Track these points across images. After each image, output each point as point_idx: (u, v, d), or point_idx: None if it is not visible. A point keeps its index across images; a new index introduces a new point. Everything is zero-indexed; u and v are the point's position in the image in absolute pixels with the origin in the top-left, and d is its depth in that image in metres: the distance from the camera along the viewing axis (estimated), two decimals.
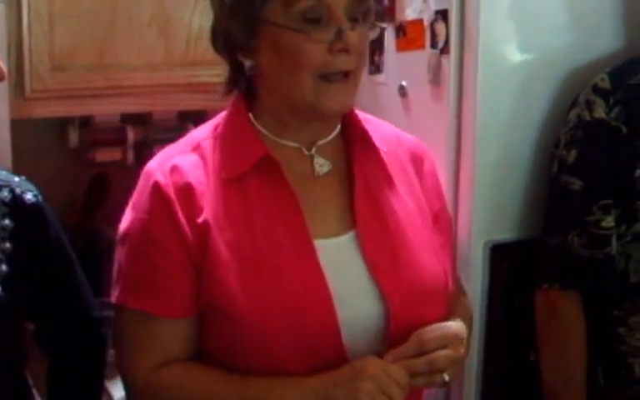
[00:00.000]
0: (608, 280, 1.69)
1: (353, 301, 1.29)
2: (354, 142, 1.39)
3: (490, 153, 1.79)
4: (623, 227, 1.68)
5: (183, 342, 1.32)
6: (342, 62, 1.27)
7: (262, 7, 1.28)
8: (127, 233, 1.34)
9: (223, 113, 1.40)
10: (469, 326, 1.45)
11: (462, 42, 1.78)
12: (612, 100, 1.66)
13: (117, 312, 1.35)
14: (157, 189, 1.30)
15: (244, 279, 1.26)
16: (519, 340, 1.84)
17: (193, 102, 2.34)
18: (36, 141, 2.36)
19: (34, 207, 1.45)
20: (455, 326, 1.35)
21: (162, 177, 1.31)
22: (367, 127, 1.41)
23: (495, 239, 1.81)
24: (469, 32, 1.77)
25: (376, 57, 1.99)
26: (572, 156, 1.69)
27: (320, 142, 1.38)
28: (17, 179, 1.47)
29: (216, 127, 1.38)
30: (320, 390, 1.24)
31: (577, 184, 1.68)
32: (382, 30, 1.85)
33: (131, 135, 2.45)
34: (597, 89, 1.68)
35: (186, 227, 1.28)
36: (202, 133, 1.39)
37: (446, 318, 1.35)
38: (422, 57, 1.87)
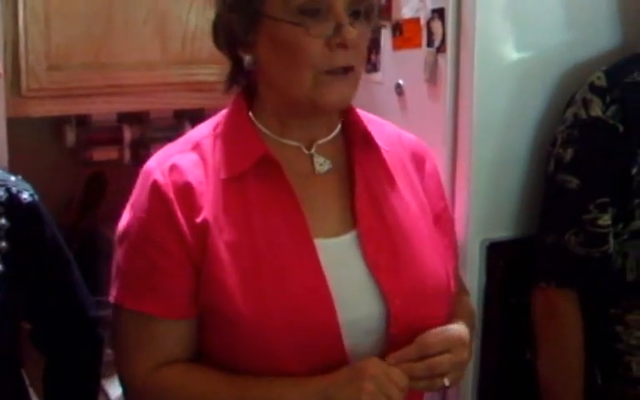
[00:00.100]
0: (605, 278, 1.69)
1: (354, 301, 1.29)
2: (355, 142, 1.38)
3: (486, 152, 1.79)
4: (620, 226, 1.68)
5: (183, 342, 1.31)
6: (341, 58, 1.26)
7: (261, 1, 1.27)
8: (125, 233, 1.33)
9: (223, 112, 1.40)
10: (472, 326, 1.45)
11: (459, 41, 1.78)
12: (608, 98, 1.66)
13: (115, 312, 1.33)
14: (155, 188, 1.29)
15: (244, 279, 1.25)
16: (516, 338, 1.84)
17: (190, 101, 2.34)
18: (32, 140, 2.36)
19: (30, 206, 1.44)
20: (458, 329, 1.34)
21: (161, 177, 1.30)
22: (369, 126, 1.40)
23: (491, 237, 1.81)
24: (465, 30, 1.77)
25: (372, 56, 1.98)
26: (568, 154, 1.69)
27: (320, 141, 1.37)
28: (13, 178, 1.46)
29: (215, 126, 1.37)
30: (321, 390, 1.23)
31: (573, 183, 1.68)
32: (379, 28, 1.84)
33: (128, 134, 2.45)
34: (593, 88, 1.69)
35: (185, 227, 1.27)
36: (202, 132, 1.38)
37: (448, 319, 1.35)
38: (419, 55, 1.87)
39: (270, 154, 1.31)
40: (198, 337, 1.31)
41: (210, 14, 2.26)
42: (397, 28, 1.93)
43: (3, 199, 1.41)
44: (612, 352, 1.71)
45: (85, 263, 1.68)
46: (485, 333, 1.80)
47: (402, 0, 1.91)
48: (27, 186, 1.47)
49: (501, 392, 1.86)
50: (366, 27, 1.31)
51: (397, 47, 1.95)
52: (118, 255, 1.34)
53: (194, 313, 1.29)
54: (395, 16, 1.93)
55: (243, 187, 1.30)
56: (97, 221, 2.42)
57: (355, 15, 1.28)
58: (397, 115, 1.92)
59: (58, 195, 2.31)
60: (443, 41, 1.80)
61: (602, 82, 1.68)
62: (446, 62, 1.80)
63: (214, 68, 2.26)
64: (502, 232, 1.83)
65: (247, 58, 1.34)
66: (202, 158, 1.33)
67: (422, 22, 1.86)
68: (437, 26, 1.81)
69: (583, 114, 1.68)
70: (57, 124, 2.40)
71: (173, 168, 1.31)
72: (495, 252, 1.81)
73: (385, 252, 1.33)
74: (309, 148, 1.36)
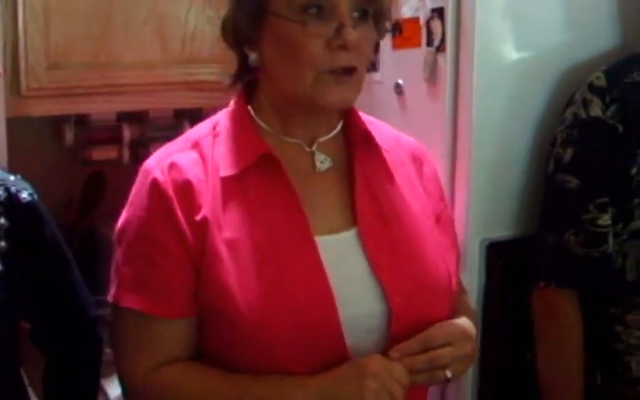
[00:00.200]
0: (605, 278, 1.69)
1: (355, 299, 1.28)
2: (355, 141, 1.38)
3: (486, 151, 1.79)
4: (620, 226, 1.68)
5: (182, 342, 1.30)
6: (342, 59, 1.26)
7: None
8: (124, 231, 1.32)
9: (222, 111, 1.39)
10: (475, 325, 1.44)
11: (458, 40, 1.79)
12: (608, 98, 1.66)
13: (115, 311, 1.33)
14: (155, 186, 1.29)
15: (243, 277, 1.25)
16: (515, 338, 1.84)
17: (189, 101, 2.34)
18: (31, 139, 2.36)
19: (29, 205, 1.44)
20: (462, 323, 1.35)
21: (160, 175, 1.29)
22: (369, 127, 1.40)
23: (491, 237, 1.82)
24: (465, 30, 1.77)
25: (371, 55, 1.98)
26: (568, 154, 1.69)
27: (321, 139, 1.37)
28: (12, 178, 1.46)
29: (215, 125, 1.37)
30: (324, 390, 1.22)
31: (573, 182, 1.68)
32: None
33: (127, 133, 2.45)
34: (593, 88, 1.69)
35: (184, 225, 1.27)
36: (201, 131, 1.38)
37: (450, 318, 1.34)
38: (419, 55, 1.87)
39: (270, 152, 1.31)
40: (198, 336, 1.31)
41: (209, 14, 2.29)
42: (397, 28, 1.93)
43: (3, 199, 1.41)
44: (611, 352, 1.71)
45: (84, 263, 1.68)
46: (484, 333, 1.80)
47: None
48: (27, 185, 1.47)
49: (500, 392, 1.86)
50: (371, 30, 1.30)
51: (396, 46, 1.95)
52: (117, 254, 1.33)
53: (194, 312, 1.29)
54: (394, 15, 1.93)
55: (243, 185, 1.30)
56: (97, 220, 2.42)
57: (363, 16, 1.28)
58: (397, 114, 1.92)
59: (58, 194, 2.31)
60: (443, 40, 1.80)
61: (602, 82, 1.68)
62: (445, 61, 1.80)
63: (214, 68, 2.29)
64: (501, 232, 1.83)
65: (253, 56, 1.33)
66: (202, 156, 1.32)
67: (422, 21, 1.86)
68: (436, 25, 1.82)
69: (583, 114, 1.68)
70: (56, 124, 2.40)
71: (173, 166, 1.30)
72: (495, 251, 1.81)
73: (385, 249, 1.32)
74: (310, 146, 1.36)
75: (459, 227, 1.76)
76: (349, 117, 1.40)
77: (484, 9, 1.74)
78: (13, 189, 1.43)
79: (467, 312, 1.44)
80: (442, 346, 1.28)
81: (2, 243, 1.39)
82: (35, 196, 1.46)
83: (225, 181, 1.30)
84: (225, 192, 1.29)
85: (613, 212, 1.67)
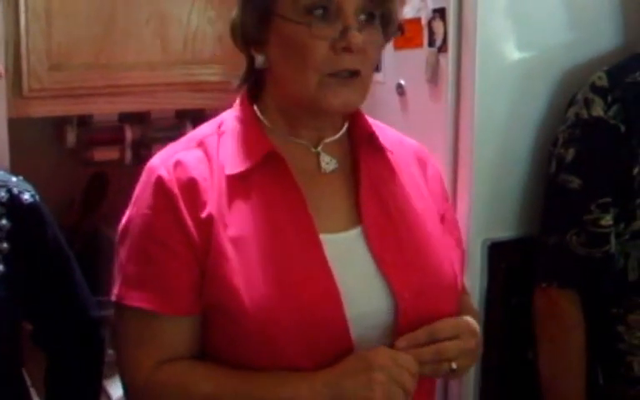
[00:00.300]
0: (607, 278, 1.69)
1: (361, 297, 1.28)
2: (360, 143, 1.38)
3: (488, 152, 1.79)
4: (622, 226, 1.68)
5: (186, 340, 1.29)
6: (346, 62, 1.26)
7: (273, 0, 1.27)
8: (128, 229, 1.32)
9: (227, 111, 1.39)
10: (478, 323, 1.45)
11: (460, 41, 1.79)
12: (610, 98, 1.66)
13: (118, 310, 1.32)
14: (160, 184, 1.29)
15: (249, 275, 1.24)
16: (517, 339, 1.84)
17: (191, 101, 2.34)
18: (33, 140, 2.36)
19: (31, 207, 1.44)
20: (468, 319, 1.35)
21: (165, 173, 1.29)
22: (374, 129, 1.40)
23: (493, 238, 1.81)
24: (467, 30, 1.77)
25: None
26: (570, 154, 1.69)
27: (326, 141, 1.37)
28: (14, 179, 1.46)
29: (220, 124, 1.37)
30: (331, 384, 1.21)
31: (575, 183, 1.68)
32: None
33: (129, 134, 2.45)
34: (594, 87, 1.69)
35: (189, 223, 1.26)
36: (206, 130, 1.37)
37: (455, 316, 1.34)
38: (420, 55, 1.87)
39: (276, 150, 1.31)
40: (202, 335, 1.30)
41: (211, 15, 2.30)
42: (399, 28, 1.92)
43: (5, 200, 1.41)
44: (613, 352, 1.71)
45: (86, 263, 1.68)
46: (486, 333, 1.78)
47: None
48: (29, 186, 1.47)
49: (502, 393, 1.86)
50: (377, 33, 1.30)
51: (398, 46, 1.95)
52: (121, 252, 1.32)
53: (198, 310, 1.28)
54: None
55: (248, 184, 1.30)
56: (99, 221, 2.42)
57: (369, 19, 1.28)
58: (398, 115, 1.92)
59: (59, 195, 2.31)
60: (445, 41, 1.80)
61: (604, 82, 1.68)
62: (447, 62, 1.80)
63: (215, 68, 2.30)
64: (503, 233, 1.83)
65: (260, 58, 1.33)
66: (207, 155, 1.32)
67: (424, 21, 1.86)
68: (438, 26, 1.81)
69: (585, 114, 1.68)
70: (58, 124, 2.40)
71: (178, 164, 1.30)
72: (496, 252, 1.81)
73: (391, 247, 1.32)
74: (315, 147, 1.36)
75: (461, 227, 1.75)
76: (354, 119, 1.40)
77: (486, 9, 1.74)
78: (15, 190, 1.43)
79: (470, 311, 1.45)
80: (449, 338, 1.28)
81: (4, 244, 1.39)
82: (37, 197, 1.46)
83: (230, 179, 1.29)
84: (230, 190, 1.29)
85: (615, 212, 1.67)
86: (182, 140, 1.38)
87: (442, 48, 1.81)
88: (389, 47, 1.94)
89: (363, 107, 1.43)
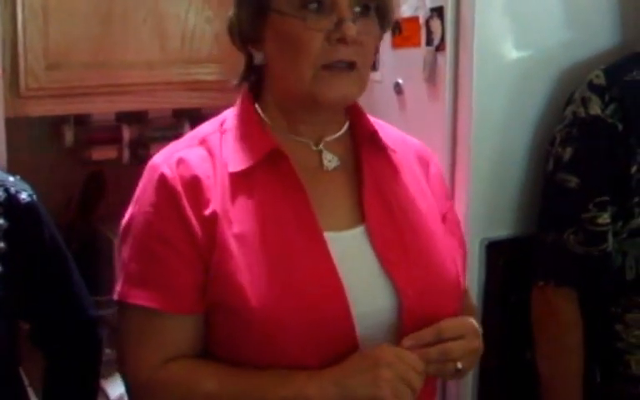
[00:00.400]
0: (604, 277, 1.69)
1: (366, 295, 1.27)
2: (362, 141, 1.38)
3: (486, 151, 1.79)
4: (619, 224, 1.68)
5: (190, 338, 1.28)
6: (342, 53, 1.26)
7: None
8: (130, 228, 1.31)
9: (229, 110, 1.39)
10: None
11: (458, 40, 1.79)
12: (607, 97, 1.66)
13: (121, 309, 1.31)
14: (163, 182, 1.28)
15: (254, 273, 1.24)
16: (515, 337, 1.84)
17: (189, 100, 2.34)
18: (31, 140, 2.36)
19: (29, 206, 1.44)
20: (471, 319, 1.35)
21: (168, 170, 1.29)
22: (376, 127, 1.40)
23: (491, 236, 1.82)
24: (465, 29, 1.77)
25: None
26: (567, 153, 1.69)
27: (328, 139, 1.37)
28: (11, 178, 1.46)
29: (222, 122, 1.37)
30: (338, 382, 1.21)
31: (572, 181, 1.68)
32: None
33: (126, 133, 2.45)
34: (592, 86, 1.69)
35: (193, 220, 1.26)
36: (208, 128, 1.37)
37: (458, 315, 1.34)
38: (418, 54, 1.87)
39: (280, 147, 1.30)
40: (205, 333, 1.29)
41: (209, 14, 2.30)
42: (396, 27, 1.92)
43: (2, 199, 1.41)
44: (611, 350, 1.71)
45: (84, 263, 1.68)
46: (485, 332, 1.79)
47: None
48: (26, 186, 1.47)
49: (501, 391, 1.86)
50: (373, 25, 1.30)
51: (395, 45, 1.95)
52: (123, 250, 1.31)
53: (202, 308, 1.27)
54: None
55: (252, 181, 1.29)
56: (96, 220, 2.42)
57: (364, 11, 1.28)
58: (396, 114, 1.92)
59: (57, 195, 2.31)
60: (442, 39, 1.80)
61: (601, 81, 1.68)
62: (445, 60, 1.80)
63: (213, 68, 2.30)
64: (501, 231, 1.83)
65: (258, 55, 1.34)
66: (210, 153, 1.32)
67: (421, 20, 1.86)
68: (436, 24, 1.81)
69: (582, 113, 1.68)
70: (55, 124, 2.40)
71: (181, 162, 1.29)
72: (494, 251, 1.81)
73: (395, 246, 1.32)
74: (317, 145, 1.36)
75: None
76: (356, 117, 1.40)
77: (484, 8, 1.74)
78: (13, 190, 1.43)
79: (470, 310, 1.45)
80: (454, 338, 1.28)
81: (2, 244, 1.39)
82: (34, 196, 1.46)
83: (233, 177, 1.29)
84: (234, 187, 1.28)
85: (613, 211, 1.67)
86: (185, 138, 1.38)
87: (440, 47, 1.81)
88: (387, 46, 1.96)
89: (361, 106, 1.43)
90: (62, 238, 1.54)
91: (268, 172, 1.30)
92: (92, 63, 2.16)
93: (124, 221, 1.33)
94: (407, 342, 1.25)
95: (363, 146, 1.38)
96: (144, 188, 1.31)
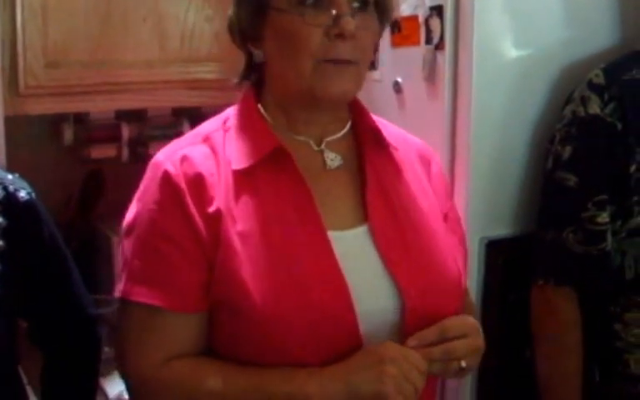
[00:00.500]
0: (604, 276, 1.69)
1: (369, 294, 1.27)
2: (365, 140, 1.38)
3: (485, 149, 1.79)
4: (619, 223, 1.68)
5: (194, 336, 1.28)
6: (340, 49, 1.26)
7: None
8: (133, 225, 1.30)
9: (231, 108, 1.39)
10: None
11: (457, 38, 1.78)
12: (606, 96, 1.66)
13: (123, 306, 1.30)
14: (167, 179, 1.28)
15: (257, 270, 1.23)
16: (514, 336, 1.84)
17: (188, 99, 2.34)
18: (30, 138, 2.36)
19: (28, 205, 1.44)
20: (473, 318, 1.36)
21: (172, 167, 1.28)
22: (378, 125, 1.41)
23: (490, 235, 1.81)
24: (464, 28, 1.77)
25: None
26: (567, 152, 1.69)
27: (330, 138, 1.37)
28: (10, 177, 1.46)
29: (225, 121, 1.37)
30: (343, 379, 1.21)
31: (572, 180, 1.68)
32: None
33: (126, 132, 2.45)
34: (591, 85, 1.68)
35: (197, 218, 1.25)
36: (212, 126, 1.37)
37: (460, 314, 1.35)
38: (417, 53, 1.87)
39: (283, 146, 1.30)
40: (208, 331, 1.29)
41: (208, 13, 2.30)
42: (396, 26, 1.93)
43: (1, 198, 1.41)
44: (610, 349, 1.71)
45: (83, 261, 1.68)
46: (484, 331, 1.79)
47: None
48: (25, 184, 1.47)
49: (500, 390, 1.86)
50: (372, 20, 1.31)
51: (395, 44, 1.95)
52: (126, 248, 1.31)
53: (205, 306, 1.27)
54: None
55: (255, 179, 1.29)
56: (96, 219, 2.42)
57: (363, 6, 1.28)
58: (396, 113, 1.92)
59: (56, 193, 2.31)
60: (442, 38, 1.80)
61: (601, 80, 1.68)
62: (444, 59, 1.80)
63: (212, 66, 2.30)
64: (500, 230, 1.83)
65: (257, 53, 1.34)
66: (213, 150, 1.32)
67: (421, 19, 1.86)
68: (435, 23, 1.81)
69: (582, 112, 1.68)
70: (54, 122, 2.40)
71: (184, 159, 1.29)
72: (494, 249, 1.81)
73: (397, 245, 1.32)
74: (318, 145, 1.36)
75: None
76: (358, 116, 1.40)
77: (483, 7, 1.74)
78: (11, 188, 1.43)
79: (470, 309, 1.45)
80: (458, 337, 1.28)
81: (1, 242, 1.39)
82: (33, 195, 1.46)
83: (237, 174, 1.29)
84: (237, 185, 1.28)
85: (612, 210, 1.67)
86: (187, 136, 1.38)
87: (440, 46, 1.81)
88: (386, 44, 1.96)
89: None
90: (62, 237, 1.54)
91: (272, 171, 1.30)
92: (91, 62, 2.16)
93: (127, 218, 1.32)
94: (411, 342, 1.25)
95: (366, 145, 1.38)
96: (147, 186, 1.31)
